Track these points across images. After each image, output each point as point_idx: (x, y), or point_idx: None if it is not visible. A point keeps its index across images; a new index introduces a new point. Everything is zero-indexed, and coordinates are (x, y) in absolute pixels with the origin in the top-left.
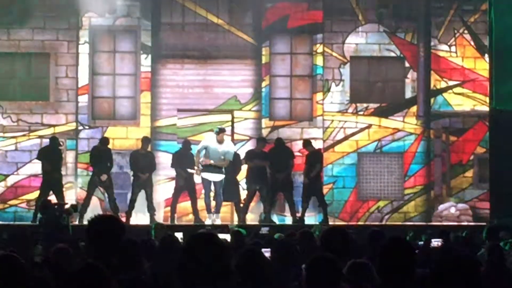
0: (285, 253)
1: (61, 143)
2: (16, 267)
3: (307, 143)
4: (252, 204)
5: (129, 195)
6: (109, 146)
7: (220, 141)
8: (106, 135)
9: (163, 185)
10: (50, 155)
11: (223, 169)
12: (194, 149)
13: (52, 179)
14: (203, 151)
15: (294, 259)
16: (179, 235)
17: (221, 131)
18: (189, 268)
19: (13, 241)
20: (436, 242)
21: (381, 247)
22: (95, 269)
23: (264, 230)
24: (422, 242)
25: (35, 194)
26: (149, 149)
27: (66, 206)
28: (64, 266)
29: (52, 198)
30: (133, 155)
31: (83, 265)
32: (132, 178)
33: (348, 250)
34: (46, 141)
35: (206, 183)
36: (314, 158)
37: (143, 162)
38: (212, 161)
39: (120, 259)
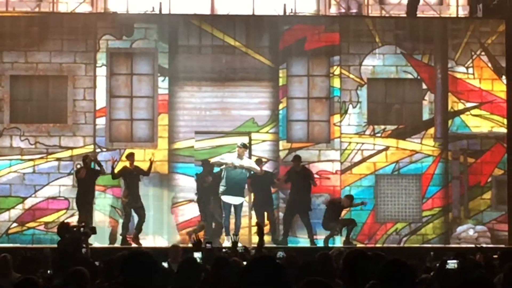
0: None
1: (97, 166)
2: None
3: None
4: (267, 227)
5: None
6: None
7: (241, 156)
8: (123, 157)
9: (182, 207)
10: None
11: (243, 192)
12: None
13: (86, 199)
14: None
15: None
16: (197, 255)
17: (244, 146)
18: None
19: (22, 264)
20: (452, 264)
21: (380, 269)
22: None
23: (280, 254)
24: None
25: (53, 216)
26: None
27: (84, 230)
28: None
29: (72, 219)
30: (124, 172)
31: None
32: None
33: (368, 273)
34: (64, 164)
35: (226, 205)
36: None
37: (132, 179)
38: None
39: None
